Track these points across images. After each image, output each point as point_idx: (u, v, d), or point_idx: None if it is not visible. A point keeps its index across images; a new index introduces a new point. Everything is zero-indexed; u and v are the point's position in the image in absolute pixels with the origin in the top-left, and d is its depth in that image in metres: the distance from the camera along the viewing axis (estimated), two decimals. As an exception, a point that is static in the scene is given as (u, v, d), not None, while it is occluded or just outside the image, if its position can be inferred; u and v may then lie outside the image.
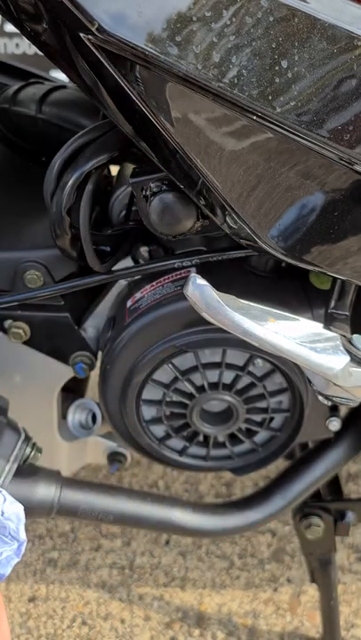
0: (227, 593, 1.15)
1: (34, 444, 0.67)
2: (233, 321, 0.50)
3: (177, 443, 0.78)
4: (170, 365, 0.70)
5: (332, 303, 0.62)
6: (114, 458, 0.87)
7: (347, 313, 0.62)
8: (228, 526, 0.79)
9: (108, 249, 0.69)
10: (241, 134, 0.47)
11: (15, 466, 0.64)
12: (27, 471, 0.70)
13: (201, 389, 0.72)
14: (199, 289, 0.49)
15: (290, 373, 0.70)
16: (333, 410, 0.76)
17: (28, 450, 0.67)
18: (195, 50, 0.43)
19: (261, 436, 0.77)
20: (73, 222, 0.64)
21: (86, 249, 0.64)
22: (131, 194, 0.74)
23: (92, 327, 0.79)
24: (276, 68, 0.44)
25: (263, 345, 0.51)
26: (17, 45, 1.83)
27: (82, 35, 0.44)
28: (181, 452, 0.78)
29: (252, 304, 0.53)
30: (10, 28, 1.81)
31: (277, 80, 0.44)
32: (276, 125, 0.46)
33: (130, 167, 0.71)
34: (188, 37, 0.43)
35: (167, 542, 1.23)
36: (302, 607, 1.13)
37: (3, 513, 0.53)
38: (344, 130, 0.46)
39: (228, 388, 0.72)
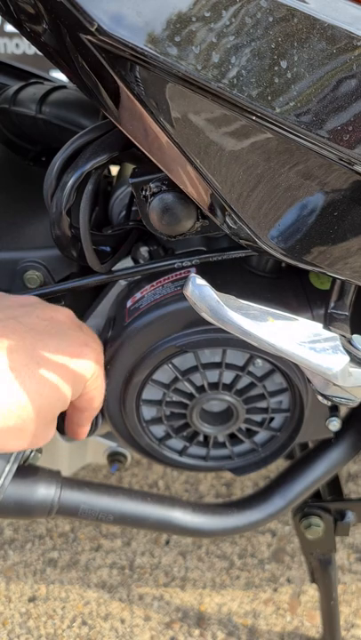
0: (227, 593, 1.15)
1: (34, 444, 0.67)
2: (232, 321, 0.49)
3: (177, 443, 0.78)
4: (170, 365, 0.70)
5: (332, 303, 0.62)
6: (114, 458, 0.87)
7: (346, 313, 0.62)
8: (228, 526, 0.79)
9: (108, 249, 0.69)
10: (241, 134, 0.47)
11: (15, 466, 0.64)
12: (27, 471, 0.70)
13: (201, 389, 0.72)
14: (199, 289, 0.49)
15: (290, 373, 0.70)
16: (333, 410, 0.76)
17: (28, 450, 0.67)
18: (194, 50, 0.43)
19: (261, 436, 0.77)
20: (73, 222, 0.64)
21: (86, 249, 0.64)
22: (131, 194, 0.74)
23: (92, 327, 0.79)
24: (276, 68, 0.44)
25: (263, 345, 0.51)
26: (17, 45, 1.84)
27: (81, 35, 0.44)
28: (181, 452, 0.78)
29: (251, 304, 0.53)
30: (10, 27, 1.81)
31: (277, 80, 0.44)
32: (276, 125, 0.46)
33: (130, 167, 0.71)
34: (187, 38, 0.43)
35: (167, 542, 1.23)
36: (302, 607, 1.13)
37: None
38: (344, 130, 0.46)
39: (228, 388, 0.72)
